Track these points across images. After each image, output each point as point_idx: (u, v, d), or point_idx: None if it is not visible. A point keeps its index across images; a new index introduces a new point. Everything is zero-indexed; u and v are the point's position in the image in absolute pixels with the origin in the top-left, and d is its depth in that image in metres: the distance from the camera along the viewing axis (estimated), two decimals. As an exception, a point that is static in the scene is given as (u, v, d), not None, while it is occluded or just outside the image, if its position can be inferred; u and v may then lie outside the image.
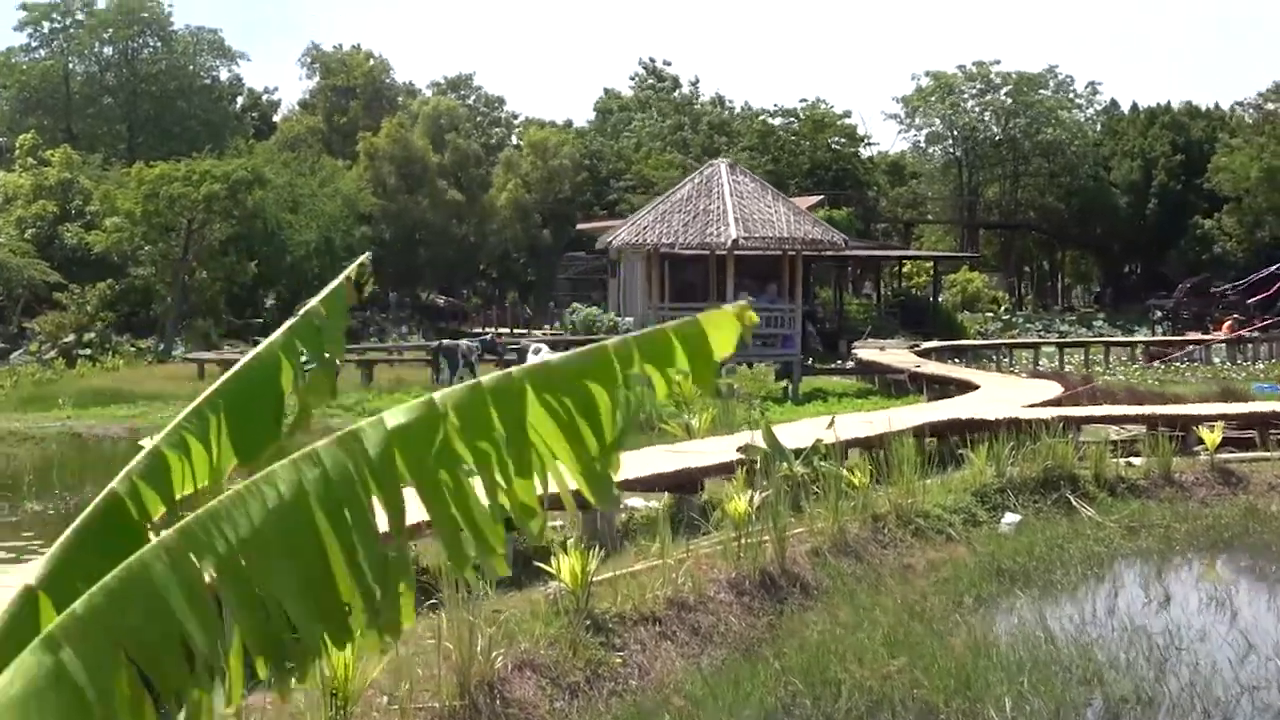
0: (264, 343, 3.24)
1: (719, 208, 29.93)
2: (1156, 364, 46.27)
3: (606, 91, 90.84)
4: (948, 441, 19.18)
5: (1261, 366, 45.02)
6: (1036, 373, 36.04)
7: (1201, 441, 19.29)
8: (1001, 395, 23.54)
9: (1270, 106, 77.86)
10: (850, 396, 29.36)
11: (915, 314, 54.46)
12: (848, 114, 78.71)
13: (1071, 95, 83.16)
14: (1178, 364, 46.21)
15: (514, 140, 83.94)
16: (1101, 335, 58.61)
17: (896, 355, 38.01)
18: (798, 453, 14.95)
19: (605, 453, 2.86)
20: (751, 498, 12.14)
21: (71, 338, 49.08)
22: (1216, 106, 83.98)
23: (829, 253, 37.14)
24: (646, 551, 12.20)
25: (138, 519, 2.95)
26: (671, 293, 37.17)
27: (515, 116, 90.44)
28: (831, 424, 15.41)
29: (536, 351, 27.38)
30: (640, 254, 51.58)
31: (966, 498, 16.13)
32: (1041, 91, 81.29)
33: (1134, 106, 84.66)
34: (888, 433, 17.54)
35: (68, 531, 2.82)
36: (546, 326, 61.02)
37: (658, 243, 30.26)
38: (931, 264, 59.60)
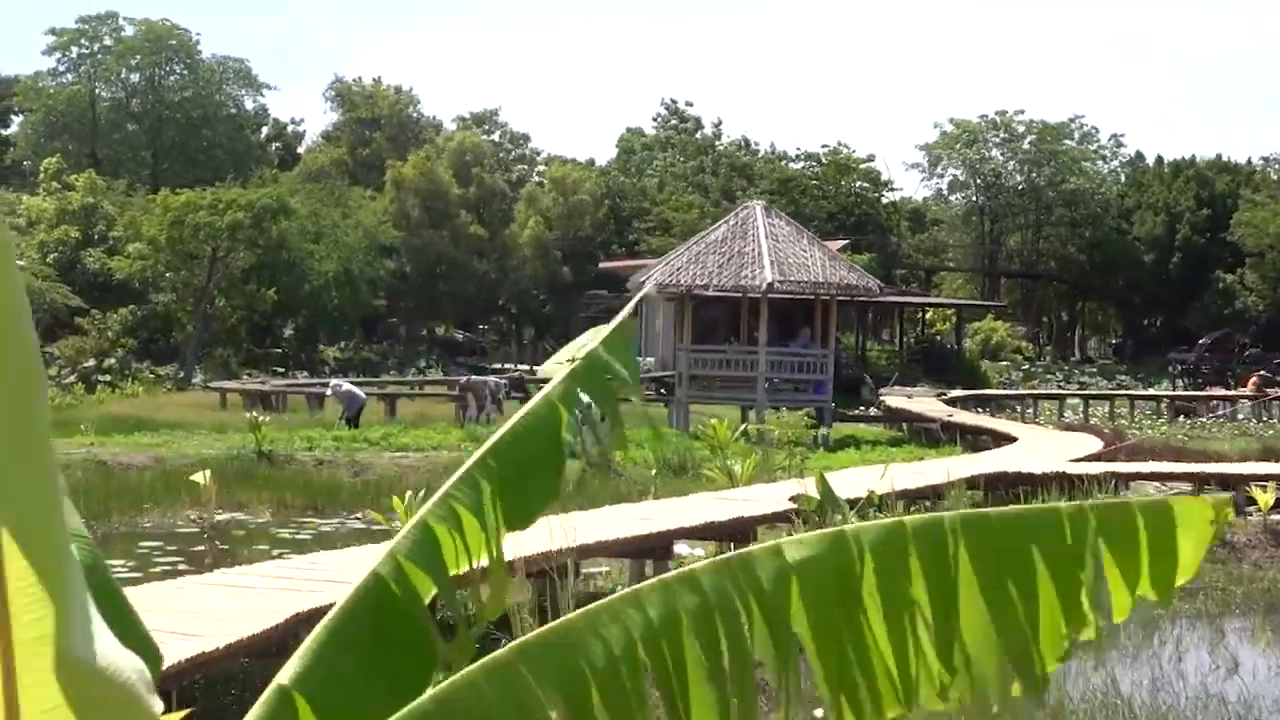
0: (538, 395, 2.87)
1: (754, 250, 29.65)
2: (1182, 419, 45.89)
3: (629, 130, 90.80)
4: (993, 495, 18.82)
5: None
6: (1071, 426, 35.67)
7: (1253, 502, 18.94)
8: (1042, 449, 23.18)
9: (1295, 162, 77.75)
10: (883, 444, 28.97)
11: (938, 361, 54.13)
12: (871, 158, 78.72)
13: (1095, 147, 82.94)
14: (1204, 420, 45.80)
15: (536, 177, 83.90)
16: (1123, 388, 58.24)
17: (925, 403, 37.66)
18: (851, 503, 14.62)
19: (1042, 649, 2.42)
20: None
21: (92, 363, 48.93)
22: (1249, 161, 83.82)
23: (862, 298, 36.86)
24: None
25: (407, 606, 2.62)
26: (694, 334, 36.88)
27: (538, 153, 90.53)
28: (885, 473, 15.08)
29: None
30: (665, 295, 51.43)
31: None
32: (1065, 142, 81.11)
33: (1159, 159, 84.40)
34: (939, 484, 17.23)
35: (323, 622, 2.49)
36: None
37: (691, 284, 29.99)
38: (954, 311, 59.30)
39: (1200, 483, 20.63)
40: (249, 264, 53.54)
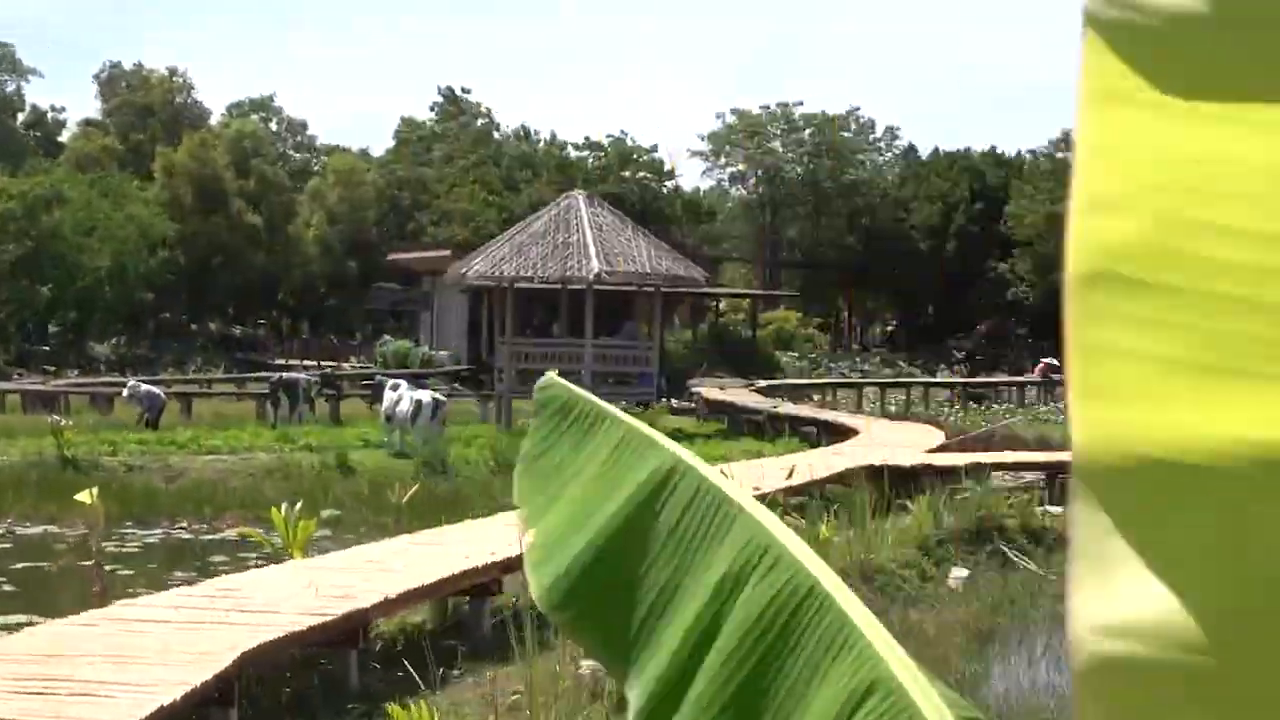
0: None
1: (579, 240, 28.84)
2: (973, 405, 46.80)
3: (405, 120, 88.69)
4: (862, 489, 18.37)
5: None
6: (898, 416, 35.80)
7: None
8: (893, 440, 22.92)
9: (1061, 155, 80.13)
10: (717, 439, 28.42)
11: (734, 352, 54.04)
12: (654, 148, 78.52)
13: (872, 139, 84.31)
14: (995, 405, 46.80)
15: (316, 166, 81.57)
16: (903, 375, 59.15)
17: (739, 394, 37.34)
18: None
19: None
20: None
21: None
22: (1019, 154, 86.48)
23: (687, 289, 36.44)
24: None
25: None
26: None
27: (314, 139, 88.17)
28: (791, 473, 14.52)
29: (395, 388, 25.79)
30: (460, 286, 50.21)
31: (912, 551, 15.34)
32: (843, 134, 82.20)
33: (935, 151, 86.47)
34: (812, 481, 16.75)
35: None
36: (353, 359, 59.08)
37: (515, 275, 29.03)
38: (747, 302, 59.44)
39: (1055, 472, 20.62)
40: (16, 257, 50.59)
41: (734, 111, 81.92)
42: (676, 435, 23.26)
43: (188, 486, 23.49)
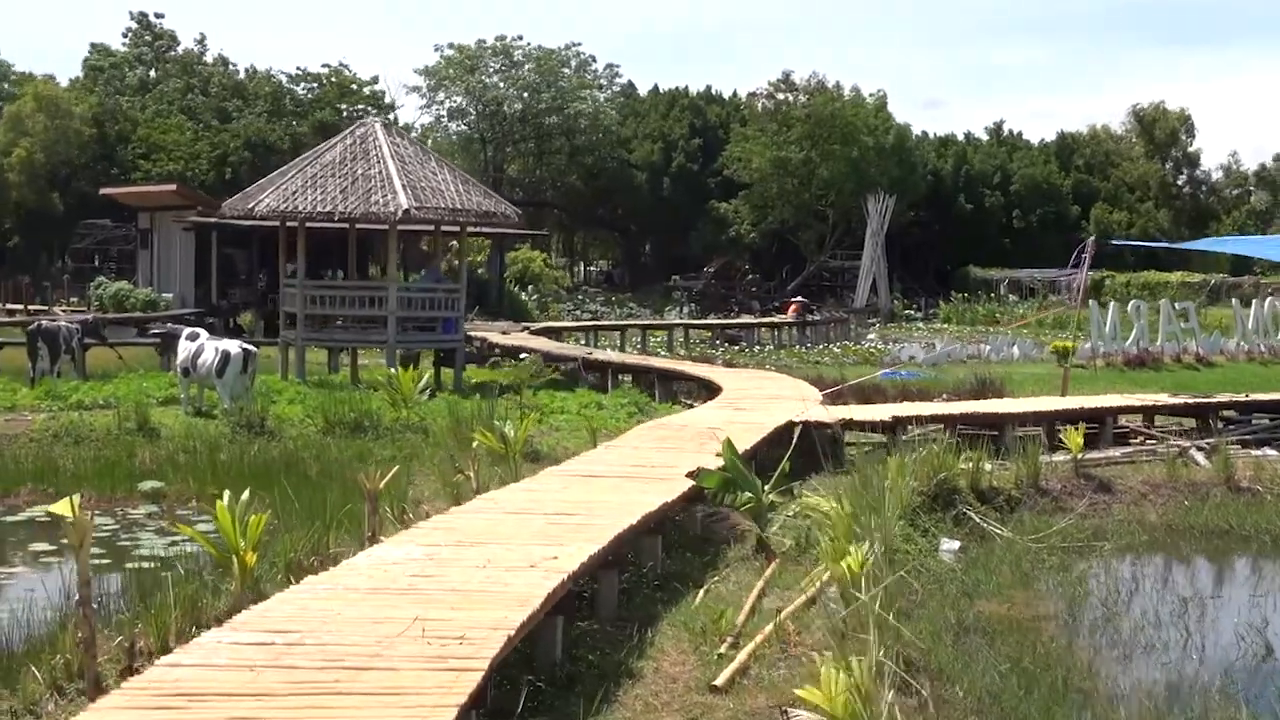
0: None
1: (381, 173, 26.05)
2: (730, 346, 45.80)
3: (96, 47, 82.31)
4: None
5: (838, 349, 45.28)
6: (695, 358, 34.18)
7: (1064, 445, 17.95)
8: (764, 392, 21.15)
9: (781, 96, 79.93)
10: (545, 389, 25.99)
11: (479, 293, 51.68)
12: (375, 80, 75.15)
13: (592, 75, 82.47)
14: (745, 345, 45.89)
15: (10, 91, 74.96)
16: (633, 315, 57.86)
17: (520, 339, 35.18)
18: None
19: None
20: (864, 551, 9.09)
21: None
22: (735, 94, 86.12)
23: (498, 226, 34.02)
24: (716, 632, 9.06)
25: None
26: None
27: (11, 65, 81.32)
28: (796, 431, 12.59)
29: (194, 337, 22.67)
30: (184, 224, 46.27)
31: (902, 522, 13.59)
32: (564, 70, 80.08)
33: (655, 89, 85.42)
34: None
35: None
36: (62, 302, 54.21)
37: (311, 210, 26.05)
38: (490, 241, 56.92)
39: (954, 424, 19.24)
40: None
41: (452, 45, 78.77)
42: (486, 386, 20.75)
43: (-44, 455, 19.85)
